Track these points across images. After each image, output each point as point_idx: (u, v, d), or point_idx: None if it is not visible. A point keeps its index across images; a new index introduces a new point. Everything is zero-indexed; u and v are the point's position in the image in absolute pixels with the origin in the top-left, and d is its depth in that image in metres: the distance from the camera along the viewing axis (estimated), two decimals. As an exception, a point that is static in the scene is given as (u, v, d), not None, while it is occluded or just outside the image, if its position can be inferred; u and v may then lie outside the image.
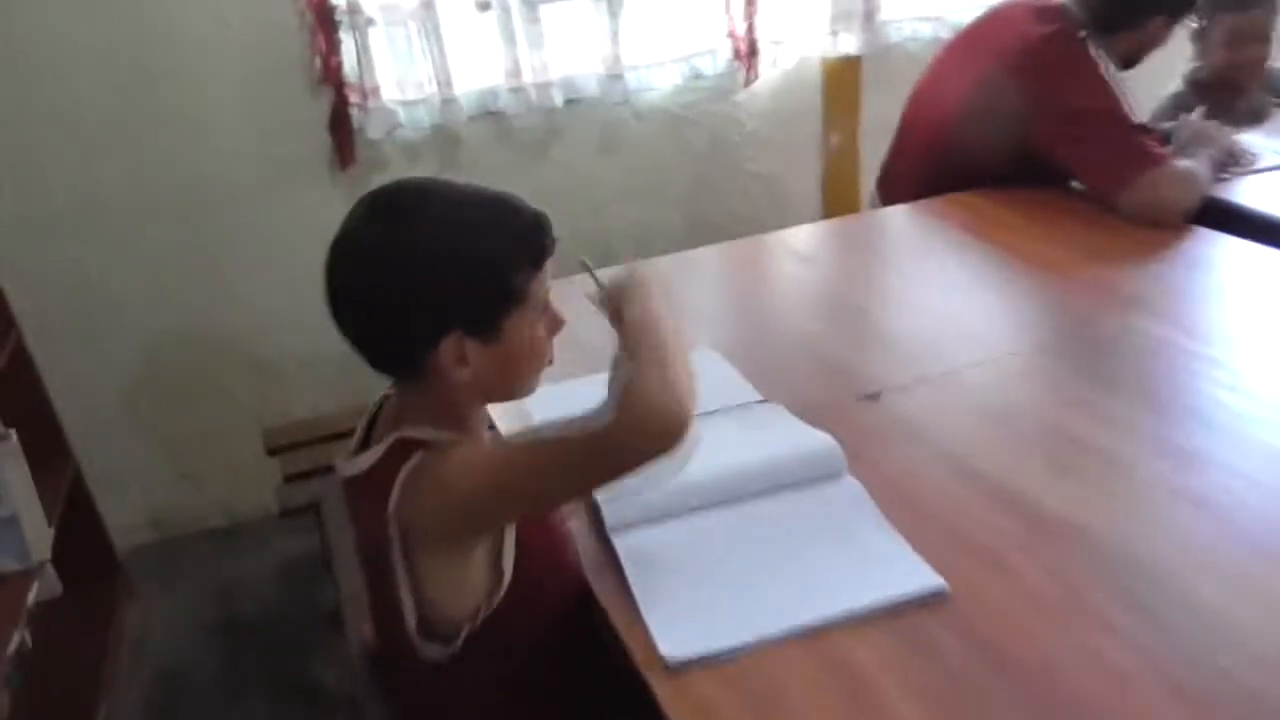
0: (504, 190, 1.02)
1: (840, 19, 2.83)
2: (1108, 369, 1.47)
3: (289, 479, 2.04)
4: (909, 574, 1.06)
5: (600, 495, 1.18)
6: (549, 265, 1.02)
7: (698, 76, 2.81)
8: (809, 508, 1.17)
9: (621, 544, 1.13)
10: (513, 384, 1.06)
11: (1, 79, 2.26)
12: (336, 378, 2.59)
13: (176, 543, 2.72)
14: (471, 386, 1.01)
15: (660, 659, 0.98)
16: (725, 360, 1.55)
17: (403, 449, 0.99)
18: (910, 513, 1.17)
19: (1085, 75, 1.95)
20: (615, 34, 2.61)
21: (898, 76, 2.95)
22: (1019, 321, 1.65)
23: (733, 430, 1.33)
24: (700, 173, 2.95)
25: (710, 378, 1.49)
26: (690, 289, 1.88)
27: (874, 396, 1.43)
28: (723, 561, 1.10)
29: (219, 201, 2.51)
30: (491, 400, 1.11)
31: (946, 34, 2.89)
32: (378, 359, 1.01)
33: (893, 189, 2.39)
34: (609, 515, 1.16)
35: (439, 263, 0.95)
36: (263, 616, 2.45)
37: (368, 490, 1.00)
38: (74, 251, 2.44)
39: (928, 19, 2.96)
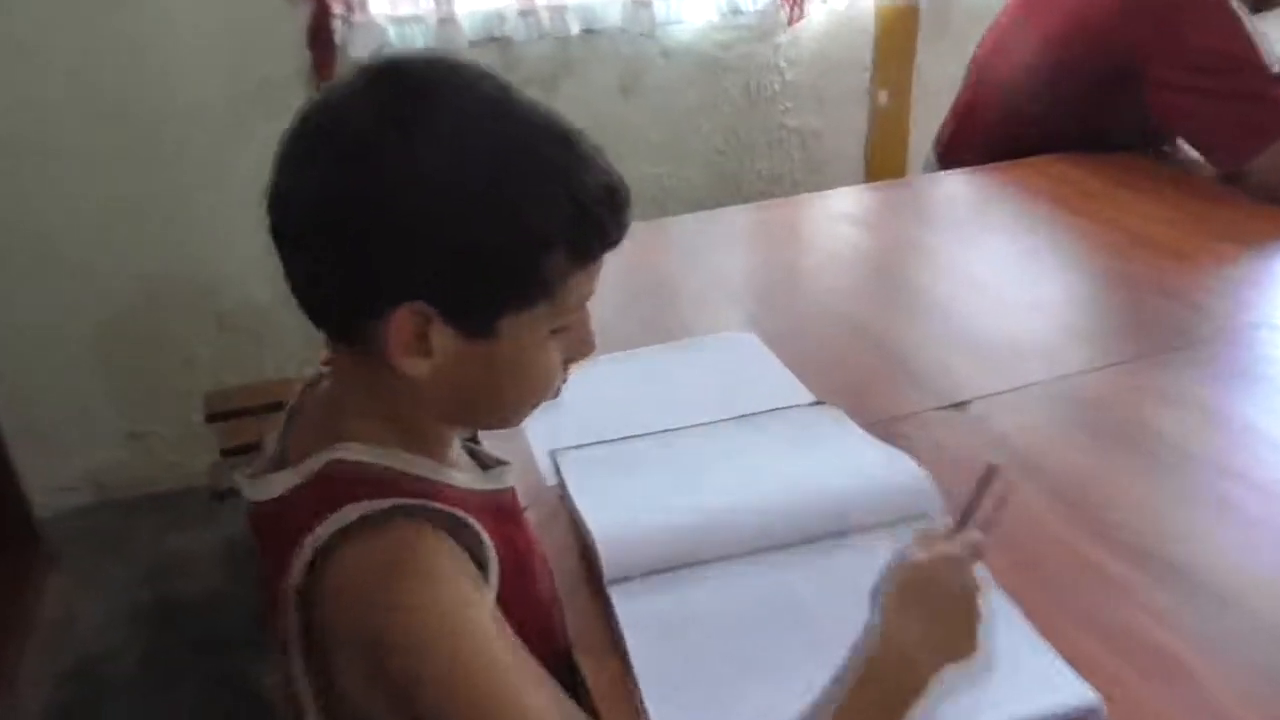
0: (584, 131, 0.67)
1: (901, -45, 2.47)
2: (1264, 384, 1.14)
3: (229, 453, 1.72)
4: (1045, 681, 0.74)
5: (598, 532, 0.86)
6: (601, 262, 0.68)
7: (736, 12, 2.45)
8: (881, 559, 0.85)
9: (623, 604, 0.81)
10: (491, 408, 0.72)
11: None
12: (310, 336, 2.26)
13: (117, 508, 2.41)
14: (430, 391, 0.66)
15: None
16: (765, 347, 1.22)
17: (333, 480, 0.66)
18: (1024, 576, 0.84)
19: (1213, 10, 1.60)
20: (644, -46, 2.25)
21: (958, 30, 2.61)
22: (1135, 319, 1.32)
23: (781, 444, 1.01)
24: (731, 124, 2.61)
25: (750, 370, 1.17)
26: (717, 254, 1.54)
27: (960, 406, 1.10)
28: (765, 639, 0.78)
29: (179, 126, 2.16)
30: (456, 423, 0.74)
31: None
32: (308, 301, 0.67)
33: (956, 153, 2.05)
34: (609, 562, 0.83)
35: (439, 192, 0.60)
36: (202, 600, 2.13)
37: (280, 525, 0.67)
38: (9, 184, 2.11)
39: (1000, -37, 2.59)
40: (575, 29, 2.29)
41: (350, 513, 0.63)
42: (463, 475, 0.73)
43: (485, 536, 0.67)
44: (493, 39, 2.27)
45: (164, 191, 2.21)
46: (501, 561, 0.68)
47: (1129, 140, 1.80)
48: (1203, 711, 0.73)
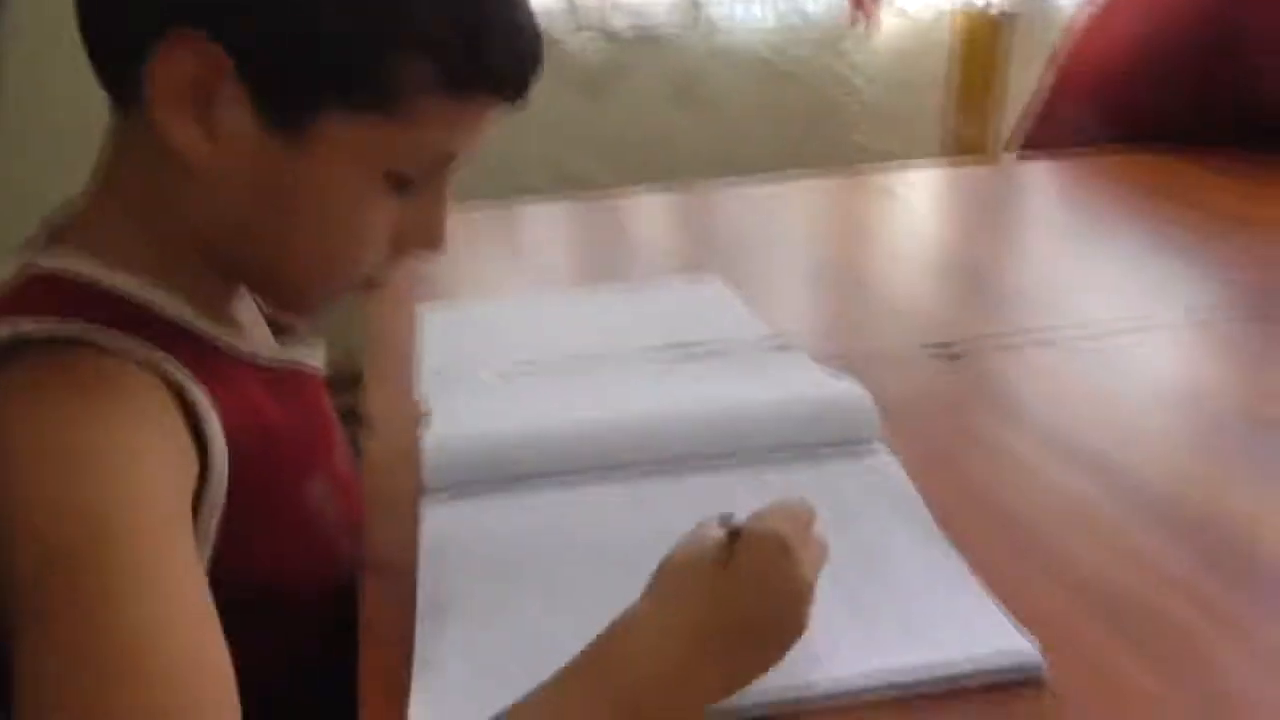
0: None
1: (986, -41, 2.28)
2: None
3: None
4: (973, 628, 0.51)
5: (430, 434, 0.68)
6: (486, 116, 0.52)
7: (800, 18, 2.30)
8: (793, 489, 0.63)
9: (435, 517, 0.62)
10: (274, 253, 0.53)
11: None
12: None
13: None
14: (204, 201, 0.50)
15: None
16: (731, 292, 1.02)
17: (22, 296, 0.49)
18: (990, 521, 0.63)
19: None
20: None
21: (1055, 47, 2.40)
22: (1205, 279, 1.07)
23: (710, 374, 0.81)
24: (796, 138, 2.43)
25: (701, 308, 0.98)
26: (724, 221, 1.37)
27: (948, 350, 0.88)
28: (602, 573, 0.58)
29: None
30: (228, 268, 0.55)
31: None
32: (87, 26, 0.50)
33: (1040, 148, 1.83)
34: (431, 465, 0.65)
35: None
36: None
37: None
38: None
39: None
40: (623, 25, 2.17)
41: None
42: (236, 336, 0.56)
43: (200, 396, 0.49)
44: (536, 36, 2.17)
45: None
46: (244, 446, 0.50)
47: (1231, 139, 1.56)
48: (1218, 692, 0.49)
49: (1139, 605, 0.55)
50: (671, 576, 0.47)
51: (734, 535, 0.47)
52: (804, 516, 0.49)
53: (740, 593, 0.45)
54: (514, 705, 0.43)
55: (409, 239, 0.54)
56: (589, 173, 2.32)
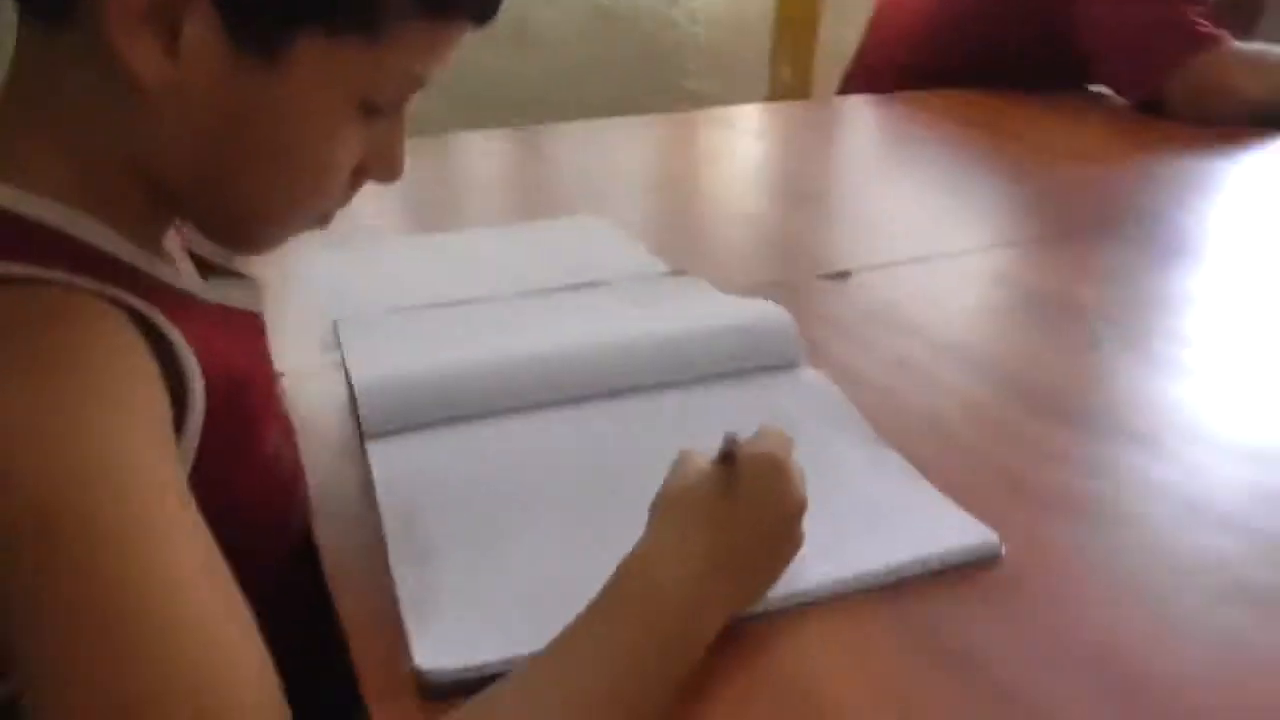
0: None
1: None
2: (1149, 258, 1.00)
3: None
4: (937, 523, 0.55)
5: (360, 380, 0.66)
6: (455, 40, 0.49)
7: (628, -41, 2.31)
8: (735, 410, 0.66)
9: (383, 460, 0.61)
10: (236, 186, 0.49)
11: None
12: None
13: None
14: (153, 126, 0.45)
15: (414, 672, 0.46)
16: (620, 229, 1.03)
17: None
18: (914, 424, 0.67)
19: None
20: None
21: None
22: (1041, 206, 1.18)
23: (623, 305, 0.82)
24: (624, 81, 2.45)
25: (592, 244, 0.99)
26: (588, 160, 1.37)
27: (841, 276, 0.93)
28: (555, 500, 0.58)
29: None
30: (174, 202, 0.50)
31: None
32: None
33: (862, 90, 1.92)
34: (368, 408, 0.63)
35: None
36: None
37: None
38: None
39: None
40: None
41: None
42: (175, 272, 0.52)
43: (177, 337, 0.45)
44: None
45: None
46: (214, 393, 0.47)
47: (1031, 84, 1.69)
48: (1112, 550, 0.56)
49: (1046, 482, 0.62)
50: (675, 508, 0.48)
51: (728, 460, 0.48)
52: (787, 441, 0.51)
53: (745, 513, 0.47)
54: (537, 655, 0.42)
55: (368, 169, 0.52)
56: (421, 113, 2.27)
